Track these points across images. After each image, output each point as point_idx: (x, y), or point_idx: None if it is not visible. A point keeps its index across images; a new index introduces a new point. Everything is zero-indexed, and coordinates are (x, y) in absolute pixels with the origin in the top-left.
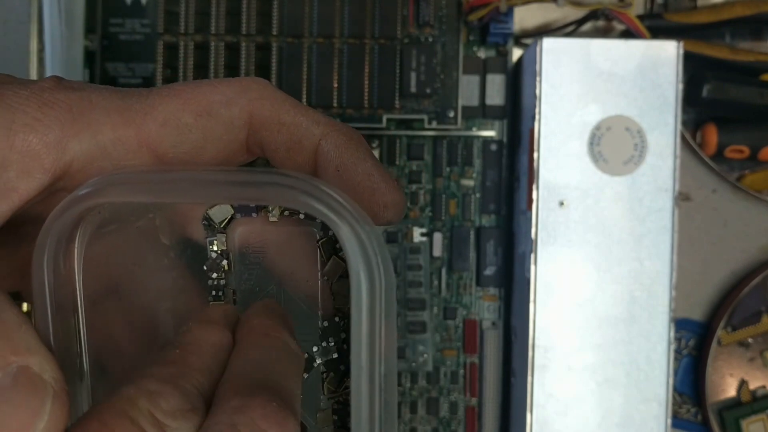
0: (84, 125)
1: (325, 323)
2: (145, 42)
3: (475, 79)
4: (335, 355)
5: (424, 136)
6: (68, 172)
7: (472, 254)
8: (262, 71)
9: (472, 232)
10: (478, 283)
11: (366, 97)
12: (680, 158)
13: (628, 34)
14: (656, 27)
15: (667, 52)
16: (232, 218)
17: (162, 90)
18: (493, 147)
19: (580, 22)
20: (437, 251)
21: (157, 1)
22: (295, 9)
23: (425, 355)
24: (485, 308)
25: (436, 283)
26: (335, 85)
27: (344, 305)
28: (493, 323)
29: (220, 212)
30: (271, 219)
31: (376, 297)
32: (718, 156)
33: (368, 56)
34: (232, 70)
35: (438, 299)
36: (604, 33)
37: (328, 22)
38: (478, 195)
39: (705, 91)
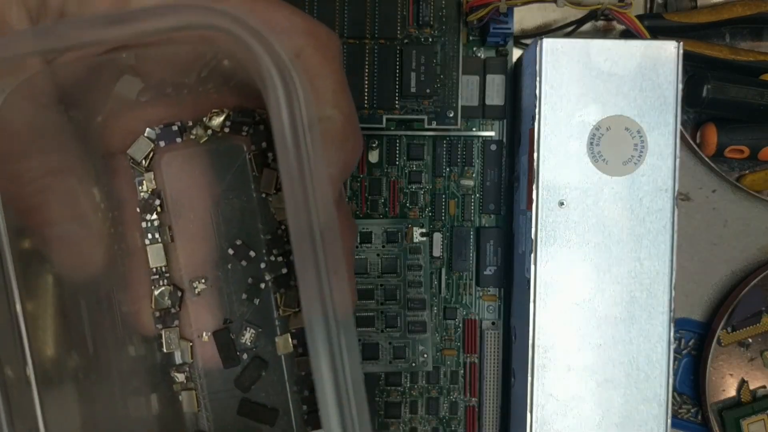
0: None
1: (269, 236)
2: None
3: (474, 79)
4: (284, 270)
5: (424, 137)
6: None
7: (472, 254)
8: None
9: (471, 232)
10: (477, 283)
11: (366, 97)
12: (680, 158)
13: (628, 34)
14: (656, 27)
15: (667, 52)
16: (154, 152)
17: None
18: (493, 147)
19: (580, 22)
20: (437, 251)
21: None
22: None
23: (425, 355)
24: (485, 308)
25: (436, 283)
26: None
27: (284, 217)
28: (493, 323)
29: (140, 148)
30: (200, 141)
31: (297, 122)
32: (718, 156)
33: (368, 56)
34: None
35: (438, 299)
36: (604, 33)
37: (327, 22)
38: (478, 195)
39: (705, 91)
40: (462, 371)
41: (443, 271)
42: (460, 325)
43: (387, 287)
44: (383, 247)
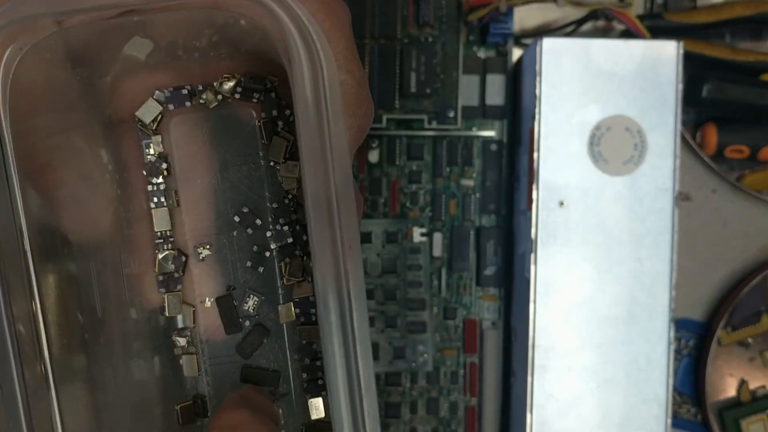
0: None
1: (275, 205)
2: None
3: (475, 79)
4: (290, 240)
5: (424, 136)
6: None
7: (472, 254)
8: None
9: (472, 232)
10: (478, 283)
11: None
12: (680, 158)
13: (628, 34)
14: (656, 27)
15: (667, 52)
16: (163, 115)
17: None
18: (493, 147)
19: (580, 22)
20: (437, 251)
21: None
22: None
23: (425, 355)
24: (485, 308)
25: (436, 283)
26: None
27: (292, 187)
28: (493, 323)
29: (148, 111)
30: (209, 105)
31: (320, 86)
32: (718, 156)
33: (368, 56)
34: None
35: (438, 299)
36: (604, 33)
37: None
38: (478, 195)
39: (705, 91)
40: (462, 371)
41: (443, 271)
42: (460, 325)
43: (387, 287)
44: (383, 247)
